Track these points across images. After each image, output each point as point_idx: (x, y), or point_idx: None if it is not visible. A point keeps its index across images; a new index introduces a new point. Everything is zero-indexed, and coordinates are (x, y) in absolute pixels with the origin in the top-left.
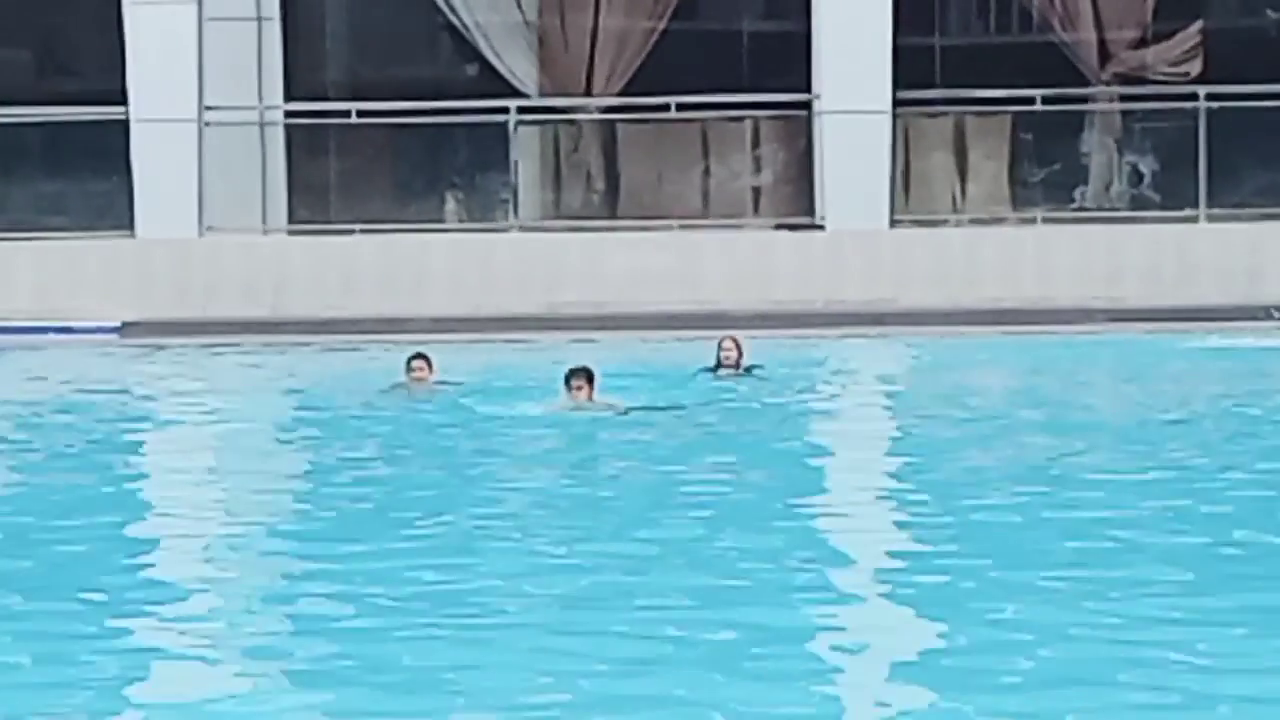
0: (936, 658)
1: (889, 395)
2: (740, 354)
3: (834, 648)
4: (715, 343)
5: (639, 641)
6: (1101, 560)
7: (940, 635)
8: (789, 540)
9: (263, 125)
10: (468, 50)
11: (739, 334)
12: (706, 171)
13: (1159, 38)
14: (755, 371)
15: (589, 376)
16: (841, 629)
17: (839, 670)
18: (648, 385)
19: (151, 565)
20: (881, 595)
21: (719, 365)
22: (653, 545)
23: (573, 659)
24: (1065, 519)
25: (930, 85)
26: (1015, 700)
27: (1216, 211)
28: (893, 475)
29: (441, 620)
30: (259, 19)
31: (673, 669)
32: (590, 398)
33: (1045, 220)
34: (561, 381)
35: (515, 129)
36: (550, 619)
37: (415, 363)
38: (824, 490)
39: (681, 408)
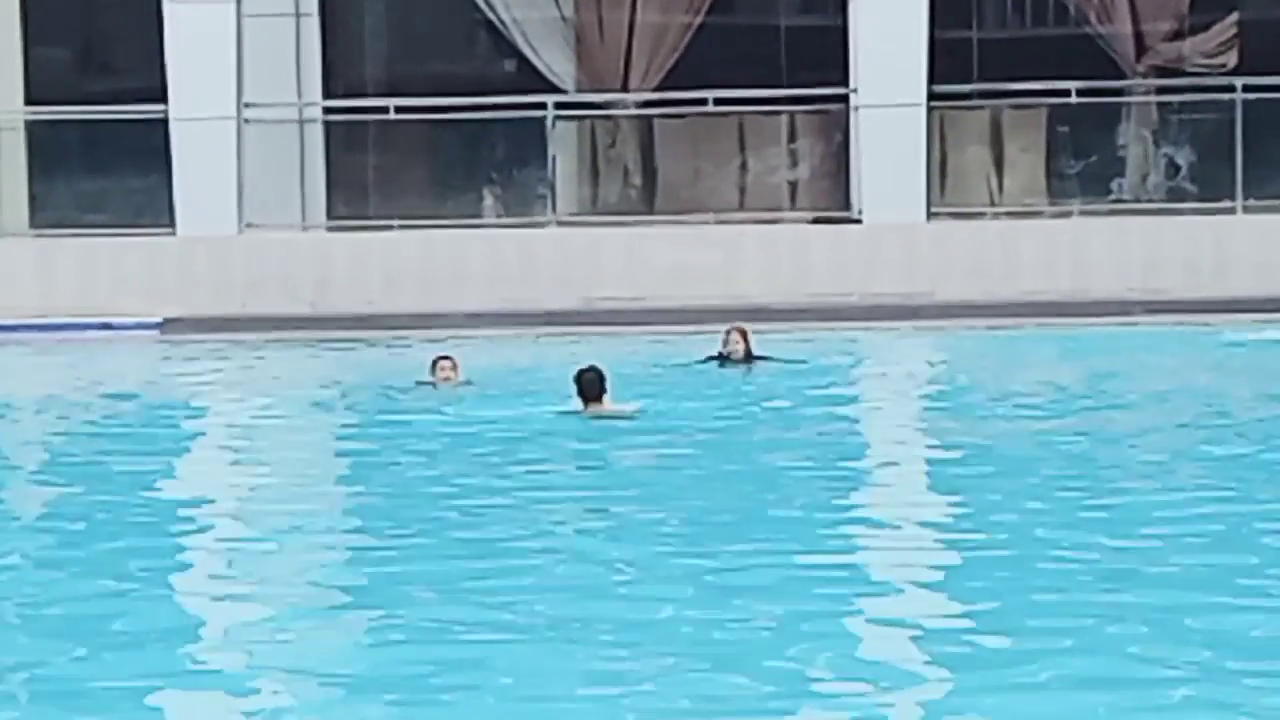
0: (984, 662)
1: (926, 387)
2: (748, 345)
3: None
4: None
5: (659, 646)
6: (1148, 553)
7: (982, 634)
8: (825, 539)
9: (302, 122)
10: (505, 46)
11: (745, 325)
12: (743, 166)
13: (1195, 30)
14: (762, 363)
15: (599, 380)
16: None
17: (879, 676)
18: (661, 381)
19: (178, 556)
20: (904, 591)
21: (722, 357)
22: (668, 550)
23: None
24: (1106, 515)
25: (967, 79)
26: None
27: (1253, 203)
28: (926, 469)
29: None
30: (297, 15)
31: (695, 672)
32: (600, 400)
33: (1082, 213)
34: (573, 385)
35: (553, 124)
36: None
37: (442, 363)
38: (857, 485)
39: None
